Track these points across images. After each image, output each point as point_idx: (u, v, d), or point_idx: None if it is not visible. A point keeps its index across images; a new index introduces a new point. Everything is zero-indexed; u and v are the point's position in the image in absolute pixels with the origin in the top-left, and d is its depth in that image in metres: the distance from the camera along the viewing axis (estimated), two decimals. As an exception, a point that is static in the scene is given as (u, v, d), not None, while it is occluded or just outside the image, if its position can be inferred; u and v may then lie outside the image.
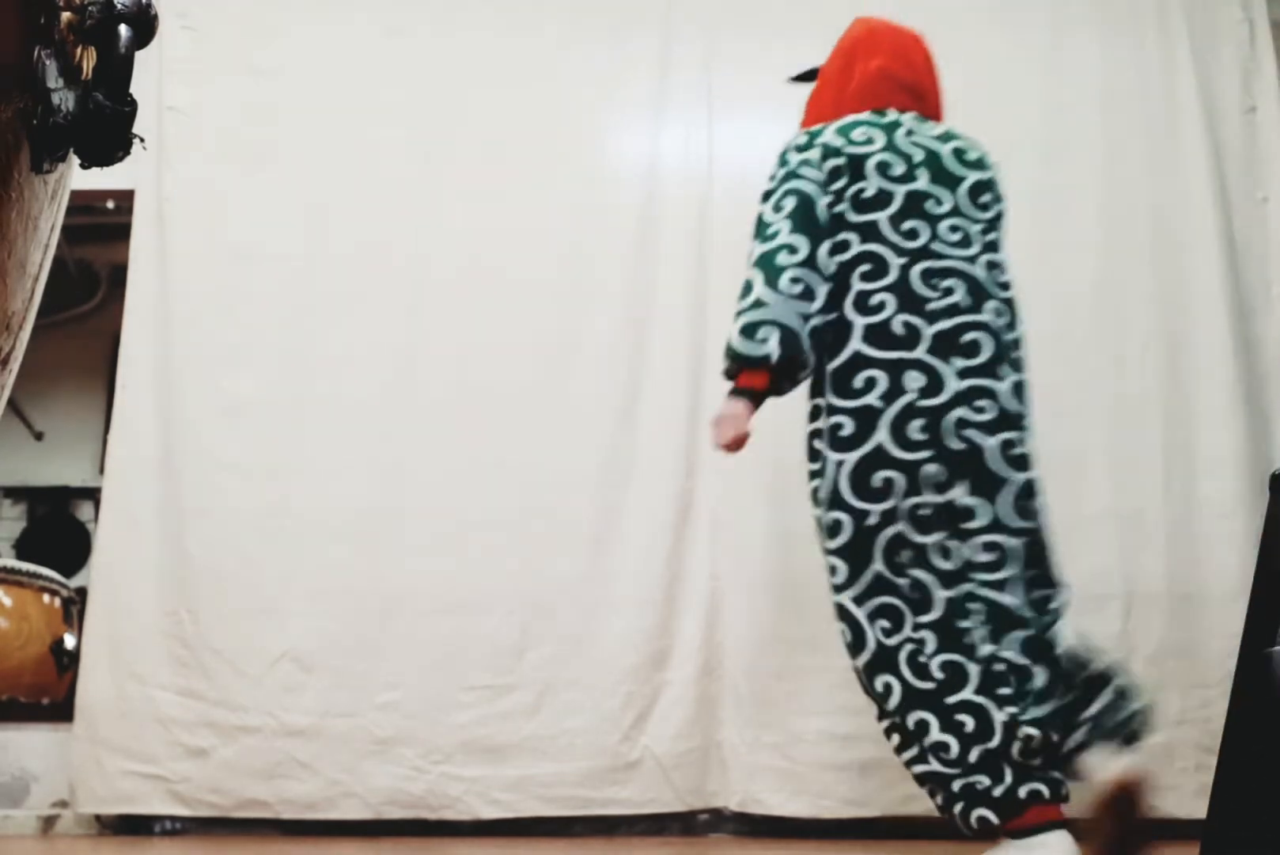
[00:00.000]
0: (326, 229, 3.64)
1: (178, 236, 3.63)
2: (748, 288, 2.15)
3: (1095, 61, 3.74)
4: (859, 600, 2.04)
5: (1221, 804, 0.94)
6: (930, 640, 1.99)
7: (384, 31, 3.79)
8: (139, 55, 0.57)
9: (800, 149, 2.26)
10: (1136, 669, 3.24)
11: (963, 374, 2.09)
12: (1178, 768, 3.17)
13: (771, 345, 2.08)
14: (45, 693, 3.19)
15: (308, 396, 3.51)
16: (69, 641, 3.22)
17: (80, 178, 0.66)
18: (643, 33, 3.78)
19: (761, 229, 2.20)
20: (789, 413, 3.50)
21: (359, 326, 3.57)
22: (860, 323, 2.13)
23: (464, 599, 3.30)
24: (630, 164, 3.69)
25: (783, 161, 2.27)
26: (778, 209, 2.19)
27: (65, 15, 0.54)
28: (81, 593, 3.42)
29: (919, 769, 2.01)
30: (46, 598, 3.19)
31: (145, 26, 0.57)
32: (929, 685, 1.98)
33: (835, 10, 3.81)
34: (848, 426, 2.12)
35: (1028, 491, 2.10)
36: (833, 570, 2.10)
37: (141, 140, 0.59)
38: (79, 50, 0.55)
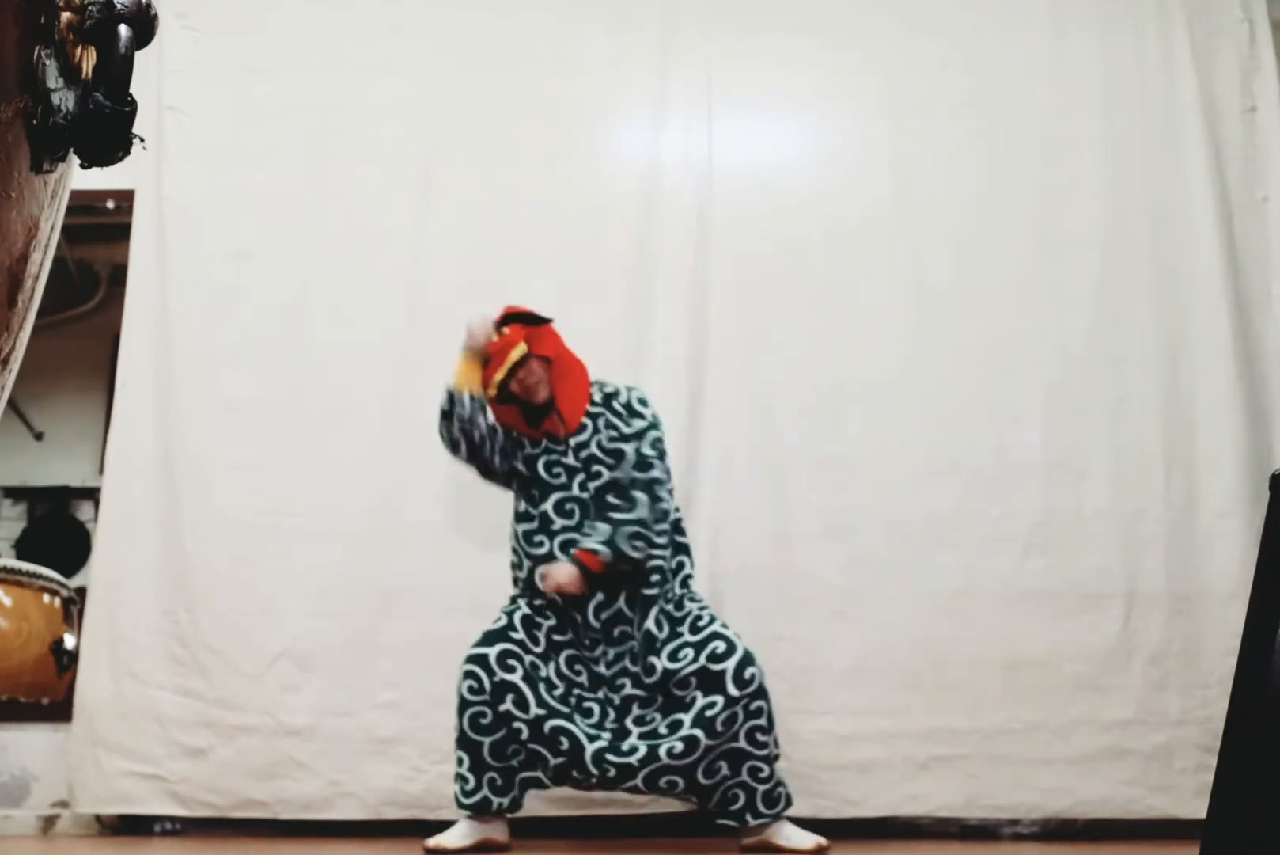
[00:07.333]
0: (326, 229, 3.64)
1: (177, 236, 3.63)
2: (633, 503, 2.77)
3: (1095, 62, 3.74)
4: None
5: (1221, 804, 0.94)
6: None
7: (383, 31, 3.79)
8: (139, 55, 0.57)
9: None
10: (1136, 669, 3.25)
11: None
12: (1178, 768, 3.17)
13: (642, 554, 2.77)
14: (45, 693, 3.19)
15: (307, 396, 3.52)
16: (69, 641, 3.21)
17: (80, 178, 0.66)
18: (643, 31, 3.79)
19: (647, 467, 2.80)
20: (788, 415, 3.51)
21: (358, 326, 3.57)
22: None
23: (463, 599, 3.30)
24: (631, 160, 3.70)
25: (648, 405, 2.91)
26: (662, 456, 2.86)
27: (65, 15, 0.54)
28: (81, 593, 3.41)
29: None
30: (46, 598, 3.18)
31: (145, 26, 0.57)
32: None
33: (835, 9, 3.84)
34: None
35: None
36: None
37: (141, 140, 0.59)
38: (79, 50, 0.55)
